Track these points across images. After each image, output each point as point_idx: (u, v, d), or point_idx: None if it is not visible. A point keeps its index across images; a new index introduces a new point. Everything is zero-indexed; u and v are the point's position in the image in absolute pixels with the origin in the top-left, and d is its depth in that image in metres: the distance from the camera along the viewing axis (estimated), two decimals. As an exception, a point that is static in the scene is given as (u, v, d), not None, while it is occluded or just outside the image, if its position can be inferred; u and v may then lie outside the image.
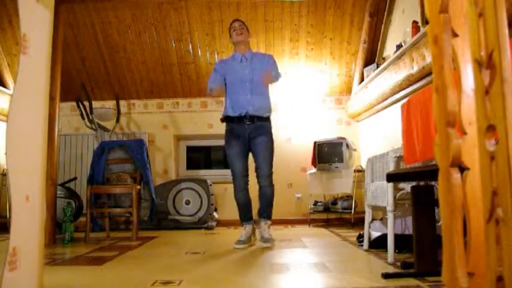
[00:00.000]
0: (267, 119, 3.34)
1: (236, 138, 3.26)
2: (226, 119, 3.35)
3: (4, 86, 4.94)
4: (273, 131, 3.41)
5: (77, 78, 5.17)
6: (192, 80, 5.28)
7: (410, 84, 3.47)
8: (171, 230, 4.51)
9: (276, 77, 3.27)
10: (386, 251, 2.44)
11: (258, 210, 3.27)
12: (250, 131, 3.25)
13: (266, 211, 3.23)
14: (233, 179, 3.28)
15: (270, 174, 3.22)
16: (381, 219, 3.15)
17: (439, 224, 2.22)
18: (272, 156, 3.26)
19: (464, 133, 0.80)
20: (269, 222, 3.24)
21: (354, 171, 4.67)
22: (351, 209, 4.59)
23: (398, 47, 3.72)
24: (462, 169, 0.79)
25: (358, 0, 4.54)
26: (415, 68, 3.22)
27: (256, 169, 3.24)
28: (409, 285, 1.82)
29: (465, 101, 0.79)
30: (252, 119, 3.24)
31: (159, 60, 5.09)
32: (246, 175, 3.26)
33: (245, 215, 3.29)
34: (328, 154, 4.63)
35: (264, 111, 3.30)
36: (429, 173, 1.64)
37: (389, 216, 2.42)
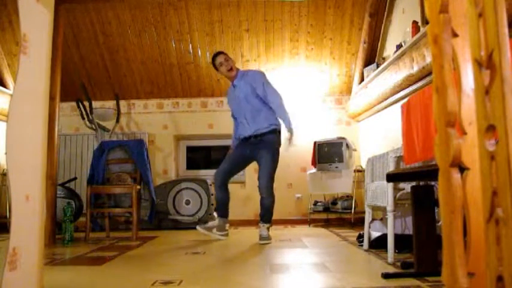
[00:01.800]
0: (271, 132, 3.49)
1: (240, 147, 3.60)
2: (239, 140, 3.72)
3: (4, 86, 4.94)
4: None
5: (77, 78, 5.17)
6: (192, 80, 5.28)
7: (410, 84, 3.46)
8: (171, 230, 4.51)
9: (279, 107, 3.51)
10: (387, 251, 2.43)
11: (259, 214, 3.47)
12: (252, 143, 3.50)
13: (265, 217, 3.44)
14: (214, 175, 3.59)
15: (268, 186, 3.39)
16: (381, 219, 3.15)
17: (439, 224, 2.22)
18: (272, 169, 3.42)
19: (464, 133, 0.80)
20: (267, 225, 3.44)
21: (354, 171, 4.67)
22: (351, 209, 4.59)
23: (398, 47, 3.72)
24: (462, 169, 0.79)
25: (358, 0, 4.54)
26: (415, 68, 3.22)
27: (258, 180, 3.44)
28: (409, 285, 1.82)
29: (465, 101, 0.79)
30: (256, 136, 3.49)
31: (159, 60, 5.09)
32: (225, 177, 3.53)
33: (219, 210, 3.59)
34: (328, 154, 4.63)
35: (262, 125, 3.48)
36: (429, 173, 1.64)
37: (389, 216, 2.42)
